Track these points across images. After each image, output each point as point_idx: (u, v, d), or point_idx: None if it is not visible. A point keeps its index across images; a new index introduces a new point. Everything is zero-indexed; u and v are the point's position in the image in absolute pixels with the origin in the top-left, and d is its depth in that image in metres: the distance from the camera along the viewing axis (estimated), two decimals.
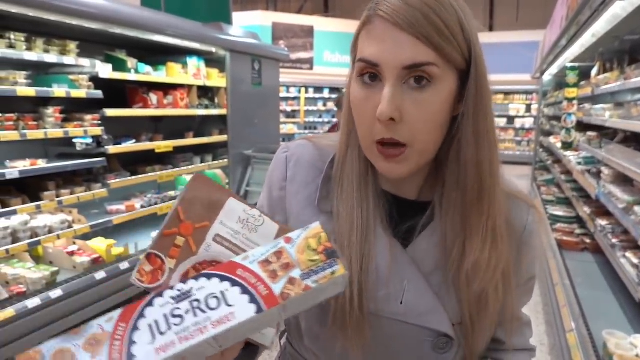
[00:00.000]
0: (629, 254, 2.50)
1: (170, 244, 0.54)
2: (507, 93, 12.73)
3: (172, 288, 0.48)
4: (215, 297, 0.47)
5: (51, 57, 2.95)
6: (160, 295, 0.47)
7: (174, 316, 0.46)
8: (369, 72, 0.64)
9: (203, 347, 0.47)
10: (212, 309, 0.46)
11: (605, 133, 3.88)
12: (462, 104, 0.66)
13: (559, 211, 4.62)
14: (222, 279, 0.48)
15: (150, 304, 0.47)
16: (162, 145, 3.94)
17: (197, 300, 0.47)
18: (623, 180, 2.97)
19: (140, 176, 3.77)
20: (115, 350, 0.45)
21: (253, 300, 0.47)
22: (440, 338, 0.71)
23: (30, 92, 2.79)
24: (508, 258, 0.72)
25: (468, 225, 0.69)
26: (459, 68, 0.64)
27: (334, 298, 0.69)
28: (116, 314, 0.47)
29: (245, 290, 0.47)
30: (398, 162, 0.66)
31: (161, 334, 0.45)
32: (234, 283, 0.48)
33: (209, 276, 0.48)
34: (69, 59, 3.05)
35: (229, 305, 0.46)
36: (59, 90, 2.97)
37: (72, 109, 3.29)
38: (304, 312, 0.68)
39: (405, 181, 0.74)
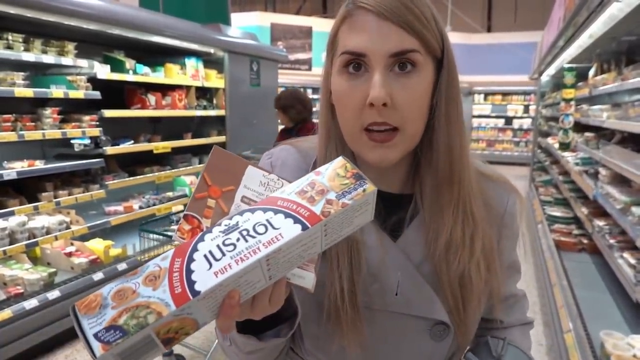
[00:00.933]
0: (626, 255, 2.51)
1: (203, 206, 0.57)
2: (505, 94, 12.73)
3: (219, 224, 0.52)
4: (262, 224, 0.51)
5: (49, 58, 2.94)
6: (209, 231, 0.51)
7: (226, 245, 0.49)
8: (354, 62, 0.66)
9: (256, 272, 0.50)
10: (260, 234, 0.50)
11: (603, 134, 3.88)
12: (436, 92, 0.69)
13: (556, 212, 4.63)
14: (265, 210, 0.52)
15: (201, 239, 0.50)
16: (160, 146, 3.94)
17: (245, 229, 0.51)
18: (620, 181, 2.98)
19: (138, 177, 3.76)
20: (175, 279, 0.47)
21: (297, 220, 0.51)
22: (437, 326, 0.73)
23: (28, 92, 2.79)
24: (488, 236, 0.74)
25: (439, 207, 0.72)
26: (435, 56, 0.68)
27: (326, 295, 0.70)
28: (170, 252, 0.50)
29: (288, 215, 0.51)
30: (389, 147, 0.67)
31: (217, 260, 0.49)
32: (277, 211, 0.52)
33: (252, 210, 0.53)
34: (67, 60, 3.05)
35: (276, 229, 0.50)
36: (56, 91, 2.97)
37: (70, 109, 3.29)
38: (302, 313, 0.69)
39: (388, 175, 0.75)
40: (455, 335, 0.75)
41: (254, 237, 0.50)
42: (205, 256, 0.49)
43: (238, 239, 0.50)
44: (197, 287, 0.47)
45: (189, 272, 0.48)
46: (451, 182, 0.71)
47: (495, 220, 0.77)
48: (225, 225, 0.51)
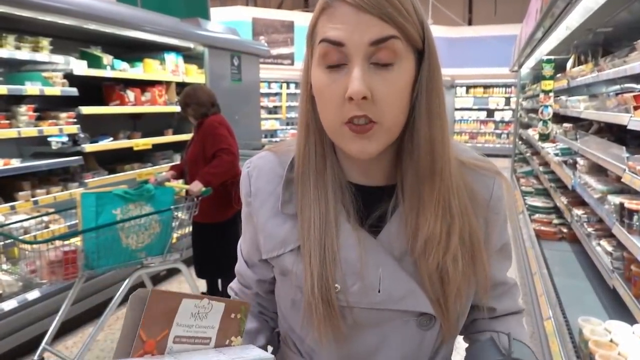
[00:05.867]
0: (603, 242, 2.56)
1: None
2: (486, 86, 12.85)
3: None
4: None
5: (23, 54, 2.88)
6: None
7: None
8: (333, 54, 0.65)
9: None
10: None
11: (581, 124, 3.94)
12: (417, 84, 0.68)
13: (537, 202, 4.70)
14: None
15: None
16: (141, 143, 3.89)
17: None
18: (597, 170, 3.03)
19: (118, 174, 3.72)
20: None
21: None
22: (423, 316, 0.73)
23: (2, 90, 2.73)
24: (472, 228, 0.73)
25: (421, 202, 0.71)
26: (416, 48, 0.67)
27: (300, 295, 0.73)
28: None
29: None
30: (367, 137, 0.67)
31: None
32: None
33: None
34: (41, 56, 2.99)
35: None
36: (32, 88, 2.91)
37: (46, 107, 3.23)
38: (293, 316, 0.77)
39: (372, 167, 0.75)
40: (441, 326, 0.75)
41: None
42: None
43: None
44: None
45: None
46: (432, 176, 0.70)
47: (482, 209, 0.76)
48: None
